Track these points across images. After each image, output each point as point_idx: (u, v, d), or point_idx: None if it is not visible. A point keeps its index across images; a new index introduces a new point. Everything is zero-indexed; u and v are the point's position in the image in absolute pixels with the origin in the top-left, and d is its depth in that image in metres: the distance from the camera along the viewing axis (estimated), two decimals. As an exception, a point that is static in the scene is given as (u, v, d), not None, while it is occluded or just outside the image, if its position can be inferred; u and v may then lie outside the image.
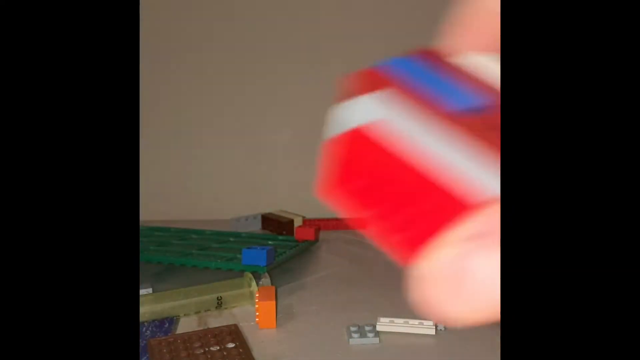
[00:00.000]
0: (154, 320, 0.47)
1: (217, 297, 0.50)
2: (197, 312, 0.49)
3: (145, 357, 0.40)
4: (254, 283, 0.51)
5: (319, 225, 0.75)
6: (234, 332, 0.43)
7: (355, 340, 0.44)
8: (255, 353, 0.41)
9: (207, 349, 0.40)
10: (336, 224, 0.80)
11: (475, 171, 0.13)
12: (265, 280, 0.55)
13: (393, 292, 0.55)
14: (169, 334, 0.44)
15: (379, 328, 0.45)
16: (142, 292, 0.54)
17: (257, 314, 0.47)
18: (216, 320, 0.48)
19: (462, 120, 0.14)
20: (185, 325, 0.47)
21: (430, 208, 0.13)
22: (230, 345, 0.41)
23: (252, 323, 0.48)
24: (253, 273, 0.54)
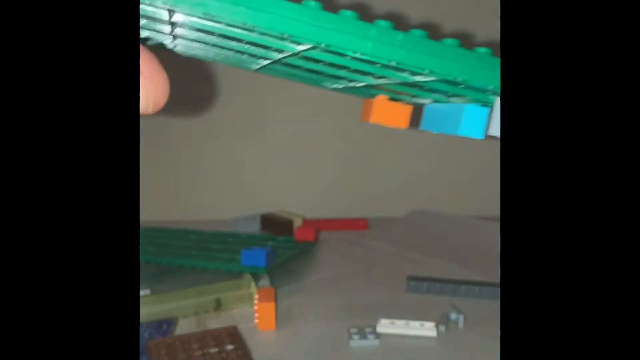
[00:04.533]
0: (152, 322, 0.46)
1: (216, 299, 0.49)
2: (195, 314, 0.49)
3: (143, 359, 0.40)
4: (253, 284, 0.51)
5: (319, 225, 0.75)
6: (233, 334, 0.43)
7: (356, 342, 0.43)
8: (254, 355, 0.41)
9: (205, 351, 0.40)
10: (336, 224, 0.80)
11: None
12: (265, 281, 0.54)
13: (394, 293, 0.55)
14: (167, 336, 0.44)
15: (379, 329, 0.45)
16: (140, 293, 0.53)
17: (257, 315, 0.47)
18: (215, 322, 0.48)
19: None
20: (184, 327, 0.47)
21: None
22: (229, 347, 0.41)
23: (252, 325, 0.47)
24: (252, 274, 0.53)
